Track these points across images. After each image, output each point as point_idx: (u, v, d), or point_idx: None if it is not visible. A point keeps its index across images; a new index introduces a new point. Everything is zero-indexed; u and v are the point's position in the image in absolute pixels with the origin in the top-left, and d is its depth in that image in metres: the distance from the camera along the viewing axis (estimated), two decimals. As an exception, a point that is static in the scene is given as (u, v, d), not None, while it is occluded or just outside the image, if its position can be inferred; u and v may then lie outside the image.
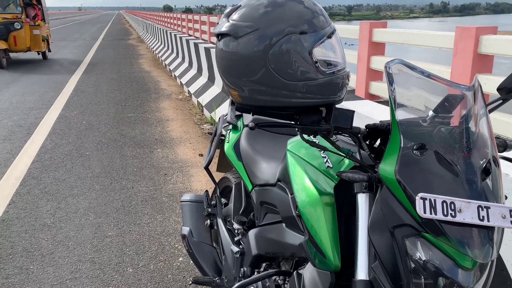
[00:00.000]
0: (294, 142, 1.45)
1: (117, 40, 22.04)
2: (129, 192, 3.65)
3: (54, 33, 28.34)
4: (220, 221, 2.01)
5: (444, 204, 0.89)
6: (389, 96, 1.05)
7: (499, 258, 1.66)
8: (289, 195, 1.42)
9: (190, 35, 12.89)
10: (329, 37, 1.11)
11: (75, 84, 8.85)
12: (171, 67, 10.34)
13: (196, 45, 7.92)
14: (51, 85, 8.82)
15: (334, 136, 1.18)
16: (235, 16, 1.14)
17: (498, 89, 1.29)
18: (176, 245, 2.83)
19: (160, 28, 14.78)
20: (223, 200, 2.20)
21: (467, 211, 0.90)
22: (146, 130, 5.52)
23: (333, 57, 1.13)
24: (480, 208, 0.91)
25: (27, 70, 10.93)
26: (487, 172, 0.99)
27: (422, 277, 0.96)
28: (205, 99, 6.47)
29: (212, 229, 2.13)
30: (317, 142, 1.21)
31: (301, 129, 1.15)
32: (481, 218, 0.90)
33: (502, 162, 1.26)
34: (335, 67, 1.12)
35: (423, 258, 0.95)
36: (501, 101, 1.29)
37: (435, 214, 0.89)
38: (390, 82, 1.05)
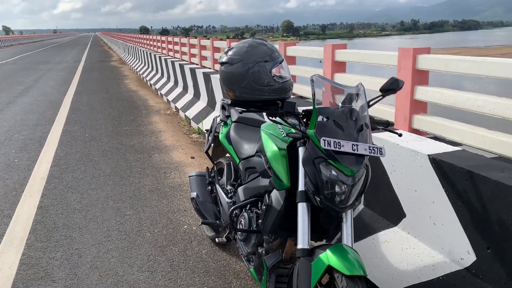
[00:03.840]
0: (265, 125, 2.40)
1: (99, 62, 22.86)
2: (137, 185, 4.53)
3: (35, 56, 28.98)
4: (217, 186, 2.95)
5: (334, 142, 1.84)
6: (312, 93, 2.00)
7: (382, 166, 2.63)
8: (263, 157, 2.36)
9: (170, 56, 13.85)
10: (280, 63, 2.07)
11: (70, 104, 9.67)
12: (157, 86, 11.25)
13: (181, 66, 8.88)
14: (47, 105, 9.63)
15: (286, 117, 2.13)
16: (230, 52, 2.11)
17: (380, 90, 2.28)
18: (181, 219, 3.73)
19: (143, 51, 15.70)
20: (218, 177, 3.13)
21: (347, 146, 1.85)
22: (143, 140, 6.41)
23: (283, 73, 2.09)
24: (353, 145, 1.86)
25: (20, 93, 11.68)
26: (360, 130, 1.95)
27: (329, 183, 1.89)
28: (192, 112, 7.40)
29: (212, 193, 3.06)
30: (276, 120, 2.16)
31: (268, 113, 2.10)
32: (353, 149, 1.85)
33: (386, 133, 2.25)
34: (284, 79, 2.08)
35: (328, 174, 1.89)
36: (381, 97, 2.27)
37: (330, 147, 1.83)
38: (312, 86, 2.01)
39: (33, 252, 3.18)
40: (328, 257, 1.80)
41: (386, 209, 2.75)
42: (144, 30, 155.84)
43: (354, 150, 1.86)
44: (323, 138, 1.84)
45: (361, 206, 2.99)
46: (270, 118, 2.13)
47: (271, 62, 2.02)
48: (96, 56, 27.84)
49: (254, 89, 2.02)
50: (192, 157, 5.50)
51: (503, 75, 3.73)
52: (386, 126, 2.23)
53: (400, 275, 2.46)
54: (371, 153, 1.88)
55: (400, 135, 2.23)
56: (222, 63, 2.10)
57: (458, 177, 2.18)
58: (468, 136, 3.95)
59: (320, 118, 1.94)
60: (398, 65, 5.22)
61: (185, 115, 7.75)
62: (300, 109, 2.21)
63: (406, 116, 4.84)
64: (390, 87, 2.23)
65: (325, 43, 10.05)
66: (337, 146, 1.84)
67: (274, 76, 2.01)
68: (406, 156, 2.52)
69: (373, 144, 1.91)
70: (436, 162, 2.32)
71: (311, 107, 2.16)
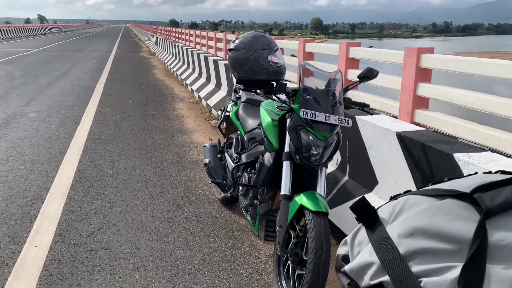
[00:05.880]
0: (265, 102, 2.99)
1: (129, 52, 23.81)
2: (161, 159, 5.18)
3: (69, 45, 30.23)
4: (226, 155, 3.55)
5: (311, 113, 2.40)
6: (298, 76, 2.57)
7: (363, 143, 3.18)
8: (262, 129, 2.94)
9: (197, 49, 14.53)
10: (275, 51, 2.66)
11: (102, 89, 10.45)
12: (183, 77, 11.94)
13: (206, 58, 9.52)
14: (82, 89, 10.44)
15: (278, 94, 2.71)
16: (236, 41, 2.70)
17: (358, 77, 2.82)
18: (197, 185, 4.35)
19: (171, 43, 16.45)
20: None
21: (320, 117, 2.41)
22: (167, 123, 7.08)
23: (277, 60, 2.67)
24: (326, 116, 2.42)
25: (57, 77, 12.57)
26: (334, 106, 2.50)
27: (306, 145, 2.46)
28: (213, 101, 8.03)
29: (221, 161, 3.66)
30: (272, 97, 2.74)
31: (264, 91, 2.69)
32: (326, 119, 2.41)
33: (368, 116, 2.79)
34: (278, 64, 2.66)
35: (306, 138, 2.45)
36: (358, 82, 2.82)
37: (307, 116, 2.40)
38: (300, 72, 2.58)
39: (73, 203, 3.86)
40: (301, 199, 2.38)
41: (364, 178, 3.30)
42: (174, 23, 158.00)
43: (327, 120, 2.42)
44: (302, 109, 2.41)
45: (346, 177, 3.55)
46: (266, 95, 2.72)
47: (268, 50, 2.61)
48: (126, 47, 28.88)
49: (254, 71, 2.61)
50: (210, 139, 6.12)
51: (492, 74, 4.19)
52: (362, 107, 2.78)
53: (369, 229, 3.01)
54: (340, 123, 2.45)
55: (371, 114, 2.79)
56: (229, 50, 2.70)
57: (415, 148, 2.72)
58: (461, 129, 4.40)
59: (303, 96, 2.51)
60: (404, 63, 5.64)
61: (207, 103, 8.39)
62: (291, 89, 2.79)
63: (409, 110, 5.31)
64: (366, 75, 2.77)
65: (353, 40, 10.36)
66: (313, 116, 2.41)
67: (270, 62, 2.60)
68: (380, 134, 3.06)
69: (343, 117, 2.47)
70: (401, 137, 2.86)
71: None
